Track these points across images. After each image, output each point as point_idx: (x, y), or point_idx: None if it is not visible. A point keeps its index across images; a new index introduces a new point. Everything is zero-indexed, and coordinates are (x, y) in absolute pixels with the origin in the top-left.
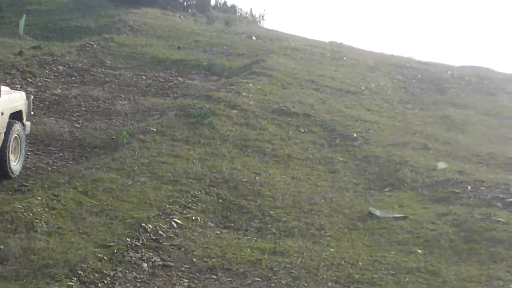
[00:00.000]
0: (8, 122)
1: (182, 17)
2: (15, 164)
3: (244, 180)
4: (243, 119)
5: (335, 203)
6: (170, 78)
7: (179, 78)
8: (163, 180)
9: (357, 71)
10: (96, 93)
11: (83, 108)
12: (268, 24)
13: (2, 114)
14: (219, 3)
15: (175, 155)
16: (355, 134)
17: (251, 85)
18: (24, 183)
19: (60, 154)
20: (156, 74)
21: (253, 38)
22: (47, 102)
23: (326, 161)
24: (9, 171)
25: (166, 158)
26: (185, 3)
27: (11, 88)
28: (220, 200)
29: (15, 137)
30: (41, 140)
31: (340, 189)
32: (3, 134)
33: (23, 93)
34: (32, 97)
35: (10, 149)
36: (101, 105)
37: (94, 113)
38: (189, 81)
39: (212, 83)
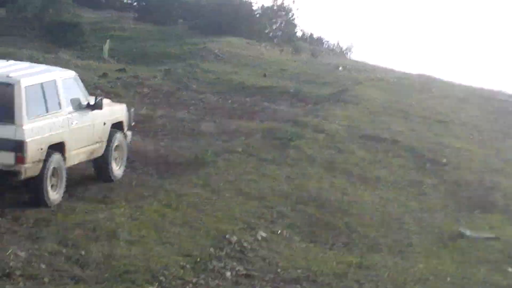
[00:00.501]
0: (110, 131)
1: (267, 47)
2: (117, 169)
3: (332, 198)
4: (331, 143)
5: (425, 223)
6: (256, 103)
7: (265, 103)
8: (249, 196)
9: (446, 103)
10: (181, 114)
11: (168, 128)
12: (355, 56)
13: (105, 124)
14: (306, 35)
15: (261, 174)
16: (444, 160)
17: (338, 112)
18: (108, 195)
19: (145, 169)
20: (242, 99)
21: (340, 68)
22: (132, 121)
23: (415, 184)
24: (111, 175)
25: (252, 176)
26: (270, 33)
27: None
28: (307, 216)
29: (117, 145)
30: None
31: (430, 210)
32: (105, 142)
33: (124, 105)
34: (133, 109)
35: (112, 156)
36: (186, 126)
37: (179, 133)
38: (276, 107)
39: (299, 109)
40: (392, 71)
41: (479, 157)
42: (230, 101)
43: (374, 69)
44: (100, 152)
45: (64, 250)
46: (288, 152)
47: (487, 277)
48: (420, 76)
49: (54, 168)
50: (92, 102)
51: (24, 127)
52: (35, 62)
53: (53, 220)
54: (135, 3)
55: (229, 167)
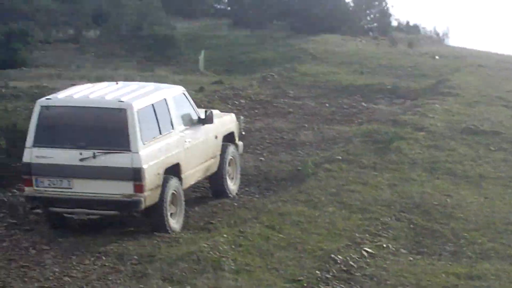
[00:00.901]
0: (222, 145)
1: (363, 41)
2: (232, 184)
3: (436, 203)
4: (431, 141)
5: None
6: (354, 104)
7: (363, 104)
8: (352, 209)
9: None
10: (279, 124)
11: (267, 141)
12: (452, 41)
13: (216, 137)
14: (401, 24)
15: (363, 182)
16: None
17: (437, 105)
18: (210, 221)
19: (246, 189)
20: (340, 101)
21: (437, 57)
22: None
23: None
24: (228, 191)
25: (353, 186)
26: (365, 26)
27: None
28: (411, 226)
29: (230, 158)
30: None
31: None
32: (219, 157)
33: (233, 115)
34: (242, 118)
35: (226, 170)
36: (285, 137)
37: (278, 145)
38: (374, 106)
39: (397, 107)
40: (490, 54)
41: None
42: (328, 104)
43: (472, 53)
44: (214, 168)
45: (169, 287)
46: (388, 155)
47: None
48: None
49: (172, 193)
50: (202, 116)
51: (140, 153)
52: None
53: (157, 255)
54: (229, 8)
55: (330, 178)
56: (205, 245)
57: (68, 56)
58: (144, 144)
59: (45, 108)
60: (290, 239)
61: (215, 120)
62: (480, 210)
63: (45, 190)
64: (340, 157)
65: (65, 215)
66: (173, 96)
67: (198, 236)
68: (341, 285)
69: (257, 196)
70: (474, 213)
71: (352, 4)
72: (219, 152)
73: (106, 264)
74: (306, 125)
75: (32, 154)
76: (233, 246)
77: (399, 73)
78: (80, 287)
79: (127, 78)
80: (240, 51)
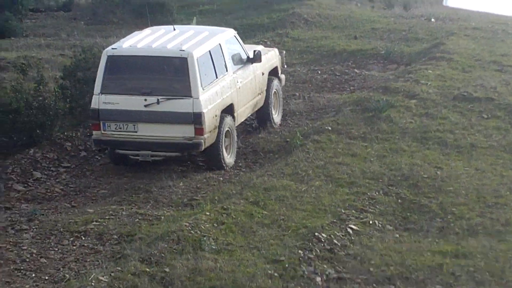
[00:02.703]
0: (268, 79)
1: (358, 4)
2: (276, 116)
3: (425, 176)
4: (423, 109)
5: None
6: (346, 70)
7: (356, 70)
8: (339, 182)
9: None
10: None
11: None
12: (452, 1)
13: (263, 74)
14: None
15: (352, 154)
16: None
17: (430, 71)
18: (194, 197)
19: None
20: (332, 68)
21: (432, 20)
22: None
23: None
24: (273, 122)
25: (342, 158)
26: None
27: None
28: (400, 200)
29: (274, 92)
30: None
31: None
32: (265, 92)
33: (276, 50)
34: (284, 52)
35: (272, 103)
36: None
37: None
38: (366, 72)
39: (390, 72)
40: (488, 15)
41: None
42: (319, 71)
43: (469, 15)
44: (261, 103)
45: (147, 269)
46: (379, 125)
47: None
48: None
49: (227, 131)
50: (251, 55)
51: (200, 98)
52: None
53: (137, 234)
54: None
55: (318, 150)
56: (187, 224)
57: (58, 24)
58: (203, 89)
59: (111, 57)
60: (274, 216)
61: (262, 57)
62: (470, 183)
63: (112, 134)
64: (330, 128)
65: (130, 156)
66: (226, 40)
67: (180, 214)
68: (323, 266)
69: (243, 169)
70: (464, 186)
71: None
72: (265, 88)
73: (85, 244)
74: (297, 93)
75: (99, 101)
76: (215, 224)
77: (393, 37)
78: (56, 269)
79: None
80: (234, 17)
